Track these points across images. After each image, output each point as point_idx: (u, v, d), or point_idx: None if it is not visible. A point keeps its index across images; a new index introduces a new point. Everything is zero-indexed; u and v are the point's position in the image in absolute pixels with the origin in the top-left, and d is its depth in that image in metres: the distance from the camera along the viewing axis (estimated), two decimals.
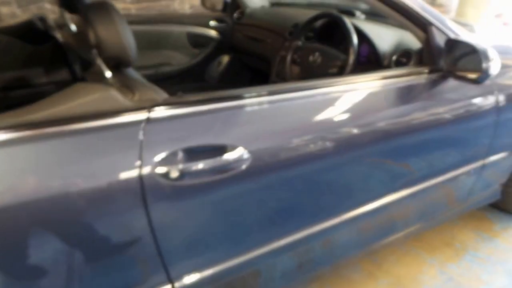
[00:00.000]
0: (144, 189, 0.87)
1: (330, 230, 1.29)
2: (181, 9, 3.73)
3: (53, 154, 0.81)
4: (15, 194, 0.77)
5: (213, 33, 2.62)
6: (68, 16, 1.74)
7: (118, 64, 1.00)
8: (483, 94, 1.43)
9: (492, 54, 1.20)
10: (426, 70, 1.32)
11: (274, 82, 2.08)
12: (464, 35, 1.35)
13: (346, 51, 1.60)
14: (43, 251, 0.84)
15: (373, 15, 1.95)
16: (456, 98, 1.37)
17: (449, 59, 1.29)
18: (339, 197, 1.28)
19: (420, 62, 1.38)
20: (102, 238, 0.89)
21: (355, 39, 1.56)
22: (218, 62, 2.71)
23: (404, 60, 1.48)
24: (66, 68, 2.00)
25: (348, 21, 1.63)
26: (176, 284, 1.05)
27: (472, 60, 1.22)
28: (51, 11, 3.05)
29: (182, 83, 2.53)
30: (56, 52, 1.92)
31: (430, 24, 1.31)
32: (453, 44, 1.28)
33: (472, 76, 1.23)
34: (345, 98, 1.18)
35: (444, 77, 1.33)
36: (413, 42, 1.46)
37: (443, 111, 1.34)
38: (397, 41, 1.59)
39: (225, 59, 2.71)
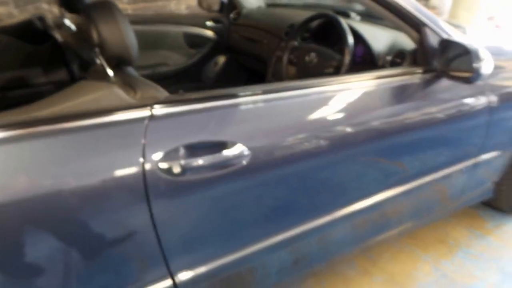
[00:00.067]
0: (147, 184, 0.89)
1: (325, 226, 1.31)
2: (177, 9, 3.74)
3: (59, 150, 0.83)
4: (25, 190, 0.79)
5: (209, 33, 2.65)
6: (67, 15, 1.76)
7: (119, 63, 1.02)
8: (475, 94, 1.46)
9: (483, 54, 1.23)
10: (420, 70, 1.35)
11: (270, 82, 2.11)
12: (456, 36, 1.39)
13: (341, 52, 1.63)
14: (50, 246, 0.85)
15: (367, 16, 1.99)
16: (450, 97, 1.41)
17: (442, 59, 1.32)
18: (334, 194, 1.31)
19: (414, 62, 1.41)
20: (106, 233, 0.91)
21: (350, 39, 1.59)
22: (214, 62, 2.73)
23: (398, 60, 1.51)
24: (64, 68, 2.01)
25: (344, 21, 1.65)
26: (176, 278, 1.07)
27: (465, 60, 1.25)
28: (49, 11, 3.05)
29: (178, 83, 2.54)
30: (55, 52, 1.93)
31: (424, 25, 1.34)
32: (446, 44, 1.31)
33: (465, 75, 1.26)
34: (341, 97, 1.21)
35: (437, 77, 1.36)
36: (407, 42, 1.49)
37: (436, 111, 1.37)
38: (392, 41, 1.62)
39: (222, 59, 2.73)
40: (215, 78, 2.71)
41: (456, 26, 1.59)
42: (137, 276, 1.02)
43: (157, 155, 0.90)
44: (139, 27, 2.34)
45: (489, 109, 1.51)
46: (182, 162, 0.92)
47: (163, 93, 0.98)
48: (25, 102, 0.87)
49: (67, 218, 0.85)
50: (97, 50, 0.99)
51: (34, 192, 0.80)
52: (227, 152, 0.97)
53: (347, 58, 1.58)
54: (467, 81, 1.26)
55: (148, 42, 2.35)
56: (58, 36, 1.92)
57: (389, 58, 1.55)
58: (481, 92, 1.48)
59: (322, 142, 1.14)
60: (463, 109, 1.44)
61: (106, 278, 0.98)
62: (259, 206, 1.13)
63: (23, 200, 0.79)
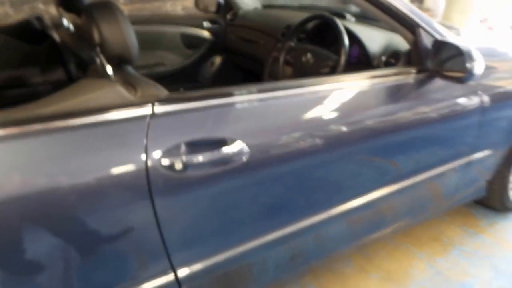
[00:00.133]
0: (149, 180, 0.91)
1: (322, 223, 1.33)
2: (173, 10, 3.76)
3: (62, 147, 0.85)
4: (30, 185, 0.81)
5: (206, 34, 2.66)
6: (66, 15, 1.77)
7: (119, 62, 1.03)
8: (468, 94, 1.49)
9: (476, 55, 1.26)
10: (414, 70, 1.38)
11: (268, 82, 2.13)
12: (450, 37, 1.41)
13: (337, 52, 1.65)
14: (56, 242, 0.87)
15: (362, 18, 2.01)
16: (443, 97, 1.43)
17: (436, 60, 1.34)
18: (330, 191, 1.33)
19: (408, 63, 1.43)
20: (110, 229, 0.93)
21: (346, 40, 1.62)
22: (211, 62, 2.75)
23: (393, 60, 1.54)
24: (62, 68, 2.02)
25: (340, 22, 1.68)
26: (179, 273, 1.08)
27: (457, 61, 1.27)
28: (45, 12, 3.06)
29: (175, 83, 2.56)
30: (52, 51, 1.94)
31: (418, 26, 1.36)
32: (439, 45, 1.34)
33: (458, 75, 1.29)
34: (337, 96, 1.23)
35: (431, 77, 1.39)
36: (401, 43, 1.52)
37: (430, 110, 1.40)
38: (386, 42, 1.65)
39: (218, 60, 2.75)
40: (211, 79, 2.73)
41: (450, 28, 1.62)
42: (140, 269, 1.04)
43: (159, 152, 0.92)
44: (137, 28, 2.35)
45: (481, 109, 1.54)
46: (184, 158, 0.94)
47: (163, 92, 1.00)
48: (22, 101, 0.88)
49: (71, 214, 0.87)
50: (98, 49, 1.00)
51: (39, 189, 0.81)
52: (227, 149, 0.99)
53: (342, 59, 1.60)
54: (460, 81, 1.29)
55: (145, 43, 2.36)
56: (55, 36, 1.92)
57: (383, 58, 1.58)
58: (474, 92, 1.51)
59: (319, 141, 1.16)
60: (456, 108, 1.47)
61: (111, 272, 1.00)
62: (258, 202, 1.15)
63: (29, 197, 0.80)
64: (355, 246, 1.62)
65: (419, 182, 1.54)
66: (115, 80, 0.98)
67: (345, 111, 1.23)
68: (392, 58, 1.55)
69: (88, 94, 0.92)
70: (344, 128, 1.21)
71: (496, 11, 5.27)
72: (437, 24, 1.43)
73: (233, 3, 2.66)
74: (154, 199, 0.93)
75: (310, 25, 1.95)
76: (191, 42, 2.64)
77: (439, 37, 1.38)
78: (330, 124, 1.19)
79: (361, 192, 1.40)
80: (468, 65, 1.25)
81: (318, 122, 1.17)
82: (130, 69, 1.12)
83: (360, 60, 1.68)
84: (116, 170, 0.88)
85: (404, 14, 1.35)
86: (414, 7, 1.39)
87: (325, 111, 1.19)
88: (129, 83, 0.98)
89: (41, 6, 3.14)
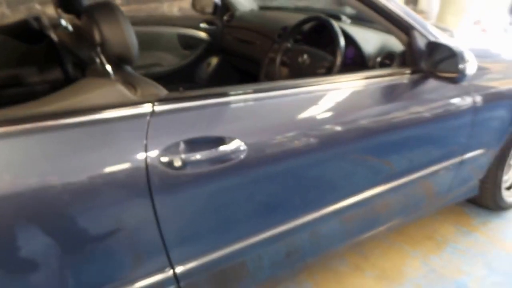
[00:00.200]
0: (149, 176, 0.93)
1: (317, 221, 1.35)
2: (169, 11, 3.77)
3: (64, 144, 0.86)
4: (34, 181, 0.82)
5: (203, 35, 2.68)
6: (64, 16, 1.78)
7: (119, 61, 1.05)
8: (461, 94, 1.52)
9: (468, 56, 1.29)
10: (408, 71, 1.40)
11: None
12: (443, 39, 1.44)
13: (333, 53, 1.68)
14: (56, 239, 0.89)
15: (358, 20, 2.04)
16: (436, 97, 1.46)
17: (430, 61, 1.37)
18: (325, 190, 1.35)
19: (403, 64, 1.46)
20: (110, 225, 0.94)
21: (342, 41, 1.64)
22: (207, 63, 2.77)
23: (387, 61, 1.56)
24: (59, 68, 2.03)
25: (335, 24, 1.71)
26: (177, 269, 1.10)
27: (450, 62, 1.30)
28: (41, 12, 3.06)
29: (172, 84, 2.57)
30: (50, 51, 1.95)
31: (412, 28, 1.39)
32: (433, 46, 1.37)
33: (451, 76, 1.32)
34: (333, 96, 1.26)
35: (425, 77, 1.41)
36: (396, 45, 1.54)
37: (424, 110, 1.43)
38: (381, 44, 1.68)
39: (215, 60, 2.77)
40: (208, 79, 2.74)
41: (444, 30, 1.65)
42: (139, 266, 1.05)
43: (159, 150, 0.94)
44: (134, 28, 2.36)
45: (474, 109, 1.56)
46: (183, 156, 0.96)
47: (162, 91, 1.01)
48: (21, 101, 0.90)
49: (73, 210, 0.88)
50: (98, 49, 1.02)
51: (42, 185, 0.83)
52: (225, 147, 1.01)
53: (338, 59, 1.62)
54: (453, 81, 1.32)
55: (142, 43, 2.36)
56: (53, 36, 1.94)
57: (378, 59, 1.60)
58: (467, 93, 1.54)
59: (315, 140, 1.18)
60: (450, 108, 1.50)
61: (111, 268, 1.01)
62: (255, 200, 1.17)
63: (33, 193, 0.82)
64: (350, 244, 1.64)
65: (412, 181, 1.57)
66: (115, 79, 0.99)
67: (341, 111, 1.25)
68: (387, 59, 1.57)
69: (89, 93, 0.93)
70: (339, 128, 1.23)
71: (489, 13, 5.33)
72: (431, 26, 1.46)
73: (230, 4, 2.68)
74: (153, 196, 0.95)
75: (306, 26, 1.98)
76: (188, 43, 2.66)
77: (432, 39, 1.41)
78: (326, 123, 1.21)
79: (355, 191, 1.42)
80: (461, 66, 1.27)
81: (315, 122, 1.19)
82: (129, 69, 1.14)
83: (356, 61, 1.70)
84: (117, 167, 0.90)
85: (399, 16, 1.37)
86: (408, 9, 1.41)
87: (321, 111, 1.22)
88: (129, 83, 1.00)
89: (37, 6, 3.14)
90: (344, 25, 1.85)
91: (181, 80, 2.65)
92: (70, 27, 1.83)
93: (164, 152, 0.94)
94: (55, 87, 0.99)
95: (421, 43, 1.39)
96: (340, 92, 1.28)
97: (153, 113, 0.95)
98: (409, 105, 1.39)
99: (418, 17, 1.43)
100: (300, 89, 1.21)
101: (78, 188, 0.86)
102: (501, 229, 2.09)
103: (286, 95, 1.17)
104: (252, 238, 1.22)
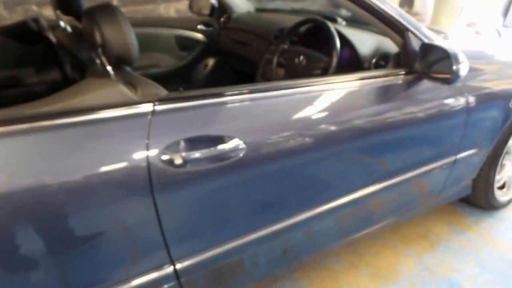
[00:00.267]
0: (150, 174, 0.95)
1: (313, 219, 1.37)
2: (166, 13, 3.79)
3: (69, 142, 0.89)
4: (40, 178, 0.84)
5: (200, 36, 2.70)
6: (63, 17, 1.80)
7: (120, 62, 1.07)
8: (455, 95, 1.55)
9: (461, 57, 1.32)
10: (403, 72, 1.43)
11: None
12: (437, 40, 1.47)
13: (329, 54, 1.70)
14: (61, 233, 0.91)
15: (353, 22, 2.07)
16: (430, 98, 1.49)
17: (424, 62, 1.39)
18: (321, 188, 1.37)
19: (397, 65, 1.48)
20: (112, 222, 0.96)
21: (338, 43, 1.67)
22: (204, 64, 2.79)
23: (382, 62, 1.60)
24: (57, 69, 2.04)
25: (331, 26, 1.73)
26: (177, 266, 1.12)
27: (444, 63, 1.33)
28: (38, 13, 3.07)
29: (169, 84, 2.59)
30: (49, 52, 1.97)
31: (407, 30, 1.42)
32: (427, 48, 1.39)
33: (444, 77, 1.35)
34: (328, 97, 1.28)
35: (419, 78, 1.44)
36: (390, 46, 1.57)
37: (418, 110, 1.46)
38: (376, 45, 1.71)
39: (211, 61, 2.78)
40: (204, 80, 2.76)
41: (438, 32, 1.69)
42: (140, 261, 1.07)
43: (160, 148, 0.96)
44: (133, 29, 2.39)
45: (467, 109, 1.59)
46: (183, 154, 0.98)
47: (162, 91, 1.04)
48: (20, 101, 0.92)
49: (76, 207, 0.90)
50: (99, 50, 1.04)
51: (47, 182, 0.85)
52: (224, 146, 1.04)
53: (334, 60, 1.65)
54: (447, 82, 1.35)
55: (140, 44, 2.39)
56: (52, 37, 1.95)
57: (373, 60, 1.63)
58: (460, 93, 1.57)
59: (310, 139, 1.21)
60: (443, 109, 1.53)
61: (113, 265, 1.03)
62: (252, 198, 1.20)
63: (38, 189, 0.84)
64: (345, 242, 1.66)
65: (406, 180, 1.59)
66: (116, 80, 1.01)
67: (337, 111, 1.28)
68: (381, 60, 1.61)
69: (91, 93, 0.96)
70: (335, 127, 1.26)
71: (483, 14, 5.38)
72: (425, 28, 1.49)
73: (227, 6, 2.70)
74: (154, 193, 0.97)
75: (303, 28, 2.01)
76: (185, 44, 2.68)
77: (426, 41, 1.44)
78: (322, 123, 1.23)
79: (351, 189, 1.45)
80: (454, 67, 1.30)
81: (311, 122, 1.22)
82: (128, 69, 1.16)
83: (351, 62, 1.73)
84: (119, 165, 0.92)
85: (394, 18, 1.40)
86: (403, 12, 1.44)
87: (318, 111, 1.24)
88: (130, 83, 1.02)
89: (34, 7, 3.15)
90: (340, 27, 1.87)
91: (178, 81, 2.67)
92: (69, 29, 1.85)
93: (165, 151, 0.96)
94: (53, 88, 1.01)
95: (415, 44, 1.42)
96: (336, 92, 1.30)
97: (154, 113, 0.97)
98: (403, 105, 1.42)
99: (412, 19, 1.46)
100: (297, 89, 1.23)
101: (83, 185, 0.88)
102: (493, 228, 2.12)
103: (285, 96, 1.20)
104: (250, 235, 1.24)
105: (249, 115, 1.12)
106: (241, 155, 1.06)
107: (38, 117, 0.87)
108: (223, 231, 1.19)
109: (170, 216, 1.03)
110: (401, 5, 5.20)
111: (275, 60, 2.01)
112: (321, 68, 1.75)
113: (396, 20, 1.40)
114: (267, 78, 2.11)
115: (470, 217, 2.21)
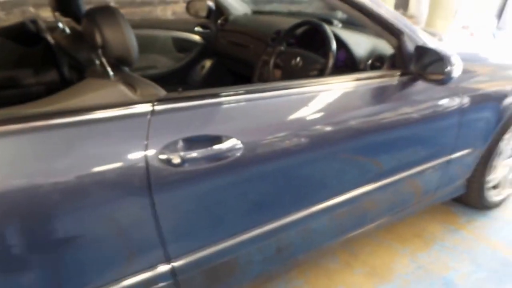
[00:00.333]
0: (149, 173, 0.96)
1: (308, 218, 1.39)
2: (163, 15, 3.80)
3: (69, 141, 0.90)
4: (39, 178, 0.86)
5: (197, 38, 2.72)
6: (62, 19, 1.81)
7: (119, 63, 1.09)
8: (449, 96, 1.58)
9: (454, 59, 1.34)
10: (398, 73, 1.46)
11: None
12: (431, 43, 1.50)
13: (325, 56, 1.72)
14: (60, 231, 0.92)
15: (349, 24, 2.10)
16: (425, 99, 1.52)
17: (418, 64, 1.42)
18: (316, 188, 1.39)
19: (393, 66, 1.51)
20: (110, 220, 0.98)
21: (334, 44, 1.69)
22: (201, 66, 2.80)
23: (378, 64, 1.62)
24: (55, 70, 2.05)
25: (328, 28, 1.76)
26: (174, 264, 1.14)
27: (438, 64, 1.36)
28: (36, 15, 3.08)
29: (167, 86, 2.60)
30: (47, 53, 1.98)
31: (402, 32, 1.44)
32: (421, 50, 1.42)
33: (438, 78, 1.37)
34: (324, 97, 1.30)
35: (413, 79, 1.46)
36: (386, 48, 1.60)
37: (412, 111, 1.48)
38: (372, 47, 1.73)
39: (208, 63, 2.80)
40: (201, 81, 2.78)
41: (433, 34, 1.71)
42: (138, 260, 1.08)
43: (159, 147, 0.98)
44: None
45: (461, 110, 1.62)
46: (182, 153, 1.00)
47: (161, 91, 1.06)
48: (18, 102, 0.93)
49: (75, 206, 0.92)
50: (100, 51, 1.05)
51: (46, 182, 0.86)
52: (222, 145, 1.06)
53: (330, 62, 1.67)
54: (440, 83, 1.38)
55: (138, 46, 2.41)
56: (50, 38, 1.96)
57: (369, 62, 1.66)
58: (454, 94, 1.59)
59: (306, 139, 1.23)
60: (438, 109, 1.55)
61: (109, 263, 1.04)
62: (250, 196, 1.21)
63: (37, 189, 0.85)
64: (340, 241, 1.67)
65: (401, 180, 1.61)
66: (115, 80, 1.03)
67: (332, 111, 1.30)
68: (377, 61, 1.63)
69: (91, 93, 0.97)
70: (331, 128, 1.28)
71: (477, 17, 5.43)
72: (420, 31, 1.51)
73: (224, 8, 2.72)
74: (152, 191, 0.99)
75: (299, 30, 2.03)
76: (182, 46, 2.70)
77: (421, 43, 1.46)
78: (318, 124, 1.26)
79: (346, 189, 1.47)
80: (447, 68, 1.33)
81: (307, 122, 1.24)
82: (127, 70, 1.18)
83: (347, 63, 1.76)
84: (118, 164, 0.94)
85: (389, 20, 1.42)
86: (398, 14, 1.47)
87: (314, 111, 1.26)
88: (129, 83, 1.04)
89: (31, 9, 3.16)
90: (336, 29, 1.90)
91: (175, 83, 2.69)
92: (67, 30, 1.86)
93: (163, 150, 0.98)
94: (50, 89, 1.03)
95: (410, 46, 1.44)
96: (332, 93, 1.33)
97: (153, 112, 0.99)
98: (398, 106, 1.44)
99: (407, 21, 1.48)
100: (294, 90, 1.25)
101: (81, 184, 0.90)
102: (486, 227, 2.15)
103: (280, 96, 1.22)
104: (246, 234, 1.26)
105: (247, 116, 1.14)
106: (238, 154, 1.08)
107: (38, 117, 0.88)
108: (220, 229, 1.20)
109: (167, 214, 1.05)
110: (396, 7, 5.25)
111: (272, 62, 2.03)
112: (317, 70, 1.77)
113: (392, 22, 1.42)
114: (264, 79, 2.13)
115: (464, 217, 2.24)
